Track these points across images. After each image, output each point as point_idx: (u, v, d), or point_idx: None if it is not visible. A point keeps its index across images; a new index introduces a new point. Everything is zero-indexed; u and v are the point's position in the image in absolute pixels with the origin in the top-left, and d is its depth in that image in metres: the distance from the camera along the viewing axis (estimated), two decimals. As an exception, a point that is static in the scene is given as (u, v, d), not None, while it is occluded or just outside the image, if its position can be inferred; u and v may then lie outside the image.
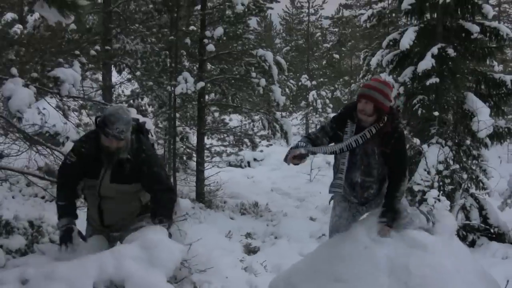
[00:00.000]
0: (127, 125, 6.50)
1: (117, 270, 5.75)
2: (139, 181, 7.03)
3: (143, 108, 23.09)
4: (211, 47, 21.79)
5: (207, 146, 24.05)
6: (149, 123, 12.89)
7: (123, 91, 24.22)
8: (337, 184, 7.39)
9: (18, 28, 14.73)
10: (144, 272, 5.65)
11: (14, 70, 11.13)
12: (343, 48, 59.76)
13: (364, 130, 7.14)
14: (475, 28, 19.54)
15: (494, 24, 20.23)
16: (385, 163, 7.28)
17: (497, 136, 20.08)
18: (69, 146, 14.74)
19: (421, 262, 7.05)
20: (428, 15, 20.77)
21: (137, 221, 7.20)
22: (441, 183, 18.55)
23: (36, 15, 16.75)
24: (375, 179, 7.38)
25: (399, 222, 7.22)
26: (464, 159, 19.81)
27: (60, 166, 7.27)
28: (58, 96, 12.77)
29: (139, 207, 7.32)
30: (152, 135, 13.24)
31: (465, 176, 19.43)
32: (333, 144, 7.40)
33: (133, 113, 12.75)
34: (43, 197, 17.59)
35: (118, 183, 6.92)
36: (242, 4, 21.08)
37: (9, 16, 18.54)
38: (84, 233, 7.27)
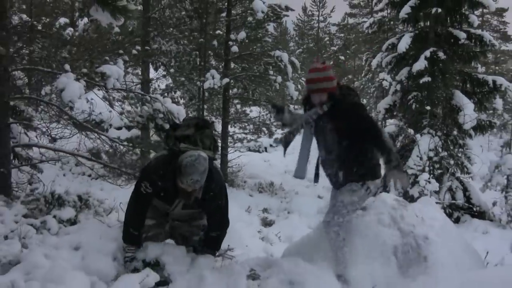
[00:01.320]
0: (202, 174, 5.98)
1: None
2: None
3: (176, 100, 23.15)
4: (235, 49, 22.08)
5: (230, 134, 24.08)
6: (182, 111, 12.93)
7: (158, 85, 24.34)
8: (300, 169, 7.58)
9: (70, 30, 14.76)
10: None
11: (67, 66, 11.15)
12: (347, 51, 59.88)
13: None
14: (462, 35, 19.88)
15: (479, 32, 20.66)
16: (347, 140, 6.74)
17: (480, 128, 20.35)
18: (112, 132, 14.79)
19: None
20: (422, 23, 21.09)
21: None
22: (431, 168, 18.71)
23: (85, 20, 16.75)
24: (336, 157, 7.01)
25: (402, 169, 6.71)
26: (451, 147, 19.94)
27: (136, 194, 6.46)
28: (104, 89, 12.78)
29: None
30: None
31: (452, 162, 19.61)
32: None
33: (168, 102, 12.79)
34: (89, 175, 17.68)
35: (188, 209, 6.69)
36: (262, 12, 21.13)
37: (62, 20, 18.62)
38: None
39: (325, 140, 7.01)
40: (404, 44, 20.13)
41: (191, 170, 5.82)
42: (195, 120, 6.88)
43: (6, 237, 8.20)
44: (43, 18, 20.15)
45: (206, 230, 6.80)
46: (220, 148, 23.20)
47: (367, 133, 6.51)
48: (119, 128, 15.92)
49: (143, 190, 6.24)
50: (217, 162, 23.28)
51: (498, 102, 21.05)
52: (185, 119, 7.28)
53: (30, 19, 12.15)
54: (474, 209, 18.89)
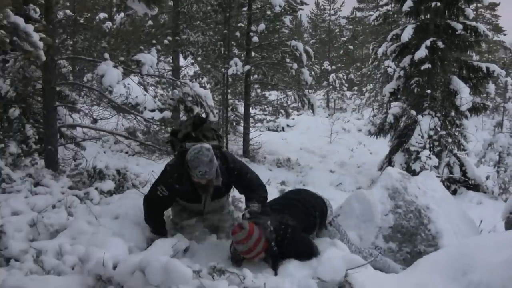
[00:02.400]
0: (209, 164, 5.60)
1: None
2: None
3: (203, 85, 23.21)
4: (255, 39, 22.30)
5: (251, 115, 24.14)
6: (208, 95, 12.93)
7: (187, 72, 24.40)
8: None
9: (108, 24, 14.82)
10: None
11: (106, 55, 11.19)
12: (356, 41, 59.79)
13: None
14: (459, 26, 19.89)
15: (474, 23, 20.71)
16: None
17: (474, 109, 20.38)
18: (147, 113, 14.82)
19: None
20: (422, 16, 21.01)
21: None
22: (431, 145, 18.80)
23: (122, 14, 16.74)
24: None
25: None
26: (449, 127, 19.98)
27: (151, 197, 6.01)
28: (139, 75, 12.83)
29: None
30: (212, 105, 13.30)
31: (449, 140, 19.64)
32: None
33: (196, 87, 12.77)
34: (126, 152, 17.73)
35: (219, 198, 6.31)
36: (280, 6, 21.47)
37: (102, 15, 18.71)
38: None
39: None
40: (407, 34, 20.13)
41: (196, 162, 5.56)
42: (191, 119, 6.68)
43: (54, 207, 8.23)
44: (85, 13, 20.17)
45: (247, 193, 6.20)
46: (242, 128, 23.30)
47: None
48: (152, 110, 16.03)
49: (160, 193, 5.89)
50: (239, 141, 23.36)
51: (491, 87, 21.23)
52: (181, 121, 7.31)
53: (73, 14, 12.18)
54: (470, 182, 18.98)
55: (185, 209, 6.47)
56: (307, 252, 5.67)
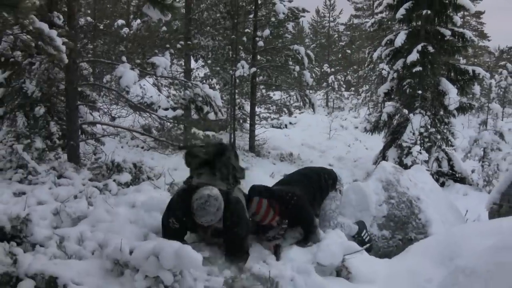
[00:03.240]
0: (216, 213, 5.00)
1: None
2: None
3: (213, 86, 23.26)
4: (260, 43, 22.25)
5: (257, 113, 24.11)
6: (217, 95, 12.96)
7: (198, 74, 24.46)
8: None
9: (126, 30, 14.84)
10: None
11: (124, 58, 11.24)
12: (353, 46, 59.90)
13: None
14: (448, 32, 19.98)
15: (461, 30, 20.86)
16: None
17: (461, 109, 20.48)
18: (161, 112, 14.82)
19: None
20: (414, 23, 20.99)
21: None
22: (422, 141, 18.88)
23: (138, 21, 16.77)
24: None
25: None
26: (438, 125, 20.06)
27: (166, 230, 5.34)
28: (154, 76, 12.87)
29: None
30: (220, 104, 13.29)
31: (438, 136, 19.72)
32: None
33: (206, 88, 12.79)
34: (142, 147, 17.75)
35: (219, 237, 5.43)
36: (283, 13, 21.63)
37: (120, 21, 18.71)
38: None
39: None
40: (400, 39, 20.16)
41: (202, 213, 4.94)
42: (213, 148, 5.95)
43: (75, 197, 8.26)
44: (104, 19, 20.23)
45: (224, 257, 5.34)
46: (249, 125, 23.32)
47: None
48: (166, 109, 16.01)
49: (172, 226, 5.25)
50: (246, 137, 23.40)
51: (476, 88, 21.43)
52: (206, 145, 6.64)
53: (93, 21, 12.23)
54: (457, 175, 19.03)
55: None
56: (308, 220, 5.87)
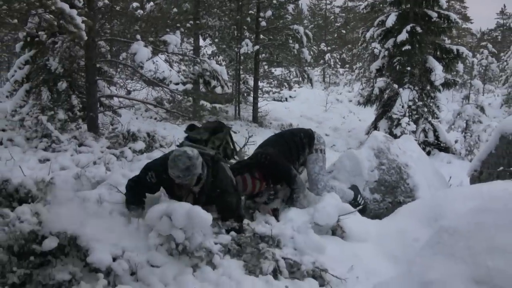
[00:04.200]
0: (184, 171, 4.66)
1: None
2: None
3: (219, 62, 23.22)
4: (263, 24, 22.14)
5: (260, 87, 24.04)
6: (224, 70, 12.95)
7: (206, 51, 24.43)
8: None
9: (140, 11, 14.77)
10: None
11: (138, 36, 11.20)
12: (347, 26, 59.82)
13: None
14: (434, 14, 19.84)
15: (446, 12, 20.68)
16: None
17: (446, 84, 20.38)
18: (172, 86, 14.81)
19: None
20: (404, 5, 20.89)
21: None
22: (410, 114, 18.89)
23: (151, 3, 16.69)
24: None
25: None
26: (425, 99, 20.02)
27: (137, 179, 5.01)
28: (166, 53, 12.86)
29: None
30: (226, 79, 13.26)
31: (425, 109, 19.71)
32: None
33: (213, 64, 12.76)
34: (155, 118, 17.75)
35: (204, 206, 4.65)
36: None
37: (134, 4, 18.63)
38: None
39: None
40: (390, 21, 20.09)
41: (171, 164, 4.67)
42: (214, 124, 5.98)
43: (94, 163, 8.30)
44: (120, 2, 20.11)
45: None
46: (252, 98, 23.31)
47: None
48: (177, 83, 16.04)
49: (148, 178, 4.91)
50: (249, 109, 23.40)
51: (460, 66, 21.46)
52: (207, 123, 6.27)
53: (110, 3, 12.12)
54: (441, 145, 19.00)
55: None
56: (286, 173, 5.83)
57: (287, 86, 27.32)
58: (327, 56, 46.69)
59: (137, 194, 4.98)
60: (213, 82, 12.67)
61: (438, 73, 19.32)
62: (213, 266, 4.19)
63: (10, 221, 3.85)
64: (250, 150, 8.46)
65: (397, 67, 20.11)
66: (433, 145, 19.02)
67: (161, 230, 4.12)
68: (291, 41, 22.55)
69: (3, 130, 10.50)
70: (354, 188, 6.57)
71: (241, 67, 23.30)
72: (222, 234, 4.63)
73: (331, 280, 4.44)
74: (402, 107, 18.85)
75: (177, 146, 5.58)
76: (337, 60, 48.42)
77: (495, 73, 45.91)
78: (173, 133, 12.73)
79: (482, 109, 20.18)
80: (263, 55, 24.20)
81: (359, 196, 6.49)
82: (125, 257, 3.91)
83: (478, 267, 2.93)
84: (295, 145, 6.23)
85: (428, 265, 3.32)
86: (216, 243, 4.36)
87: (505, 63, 41.79)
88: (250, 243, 4.63)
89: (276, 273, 4.34)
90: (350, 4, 62.66)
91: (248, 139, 8.24)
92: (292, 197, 5.83)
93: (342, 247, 5.11)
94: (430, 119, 19.96)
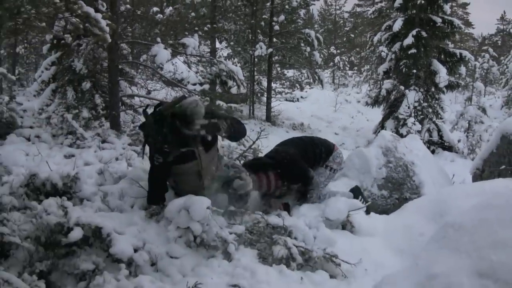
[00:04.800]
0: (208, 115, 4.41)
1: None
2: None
3: (235, 64, 23.28)
4: (276, 28, 22.34)
5: (273, 88, 24.11)
6: (240, 71, 12.96)
7: (222, 53, 24.45)
8: None
9: (160, 15, 14.83)
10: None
11: (158, 39, 11.27)
12: (356, 31, 59.81)
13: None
14: (439, 20, 19.99)
15: (450, 18, 20.90)
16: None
17: (450, 86, 20.70)
18: (190, 86, 14.81)
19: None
20: (410, 11, 20.97)
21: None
22: (415, 114, 18.91)
23: (170, 8, 16.76)
24: None
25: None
26: (430, 100, 20.11)
27: (151, 168, 4.68)
28: (184, 55, 12.89)
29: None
30: (242, 78, 13.25)
31: (430, 110, 19.78)
32: None
33: (229, 64, 12.78)
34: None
35: (210, 148, 4.73)
36: (296, 1, 22.04)
37: (155, 8, 18.72)
38: None
39: None
40: (397, 25, 20.14)
41: (198, 116, 4.35)
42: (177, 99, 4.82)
43: (117, 159, 8.31)
44: (141, 7, 20.28)
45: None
46: (266, 98, 23.42)
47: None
48: (194, 84, 16.05)
49: (156, 161, 4.53)
50: (263, 109, 23.47)
51: (463, 69, 21.49)
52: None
53: (132, 7, 12.19)
54: (445, 144, 19.04)
55: (185, 181, 4.82)
56: (304, 173, 5.65)
57: (298, 87, 27.48)
58: (337, 58, 46.66)
59: (161, 189, 4.74)
60: (230, 82, 12.69)
61: (442, 75, 19.43)
62: (228, 256, 4.18)
63: (38, 213, 3.88)
64: (262, 145, 8.46)
65: (403, 70, 20.13)
66: (437, 144, 19.01)
67: (179, 223, 4.12)
68: (302, 44, 22.69)
69: (31, 127, 10.53)
70: (355, 190, 6.47)
71: (255, 68, 23.39)
72: (237, 225, 4.61)
73: (340, 271, 4.42)
74: (408, 107, 18.86)
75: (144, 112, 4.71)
76: (346, 62, 48.42)
77: (496, 76, 45.89)
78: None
79: (483, 110, 20.17)
80: (276, 57, 24.27)
81: (360, 197, 6.40)
82: (146, 248, 3.91)
83: (482, 261, 2.89)
84: (313, 155, 5.91)
85: (433, 259, 3.29)
86: (231, 233, 4.36)
87: (505, 66, 41.54)
88: (264, 231, 4.63)
89: (289, 261, 4.31)
90: (358, 9, 62.82)
91: (260, 133, 8.17)
92: (305, 196, 5.77)
93: (351, 241, 5.09)
94: (434, 119, 19.95)
